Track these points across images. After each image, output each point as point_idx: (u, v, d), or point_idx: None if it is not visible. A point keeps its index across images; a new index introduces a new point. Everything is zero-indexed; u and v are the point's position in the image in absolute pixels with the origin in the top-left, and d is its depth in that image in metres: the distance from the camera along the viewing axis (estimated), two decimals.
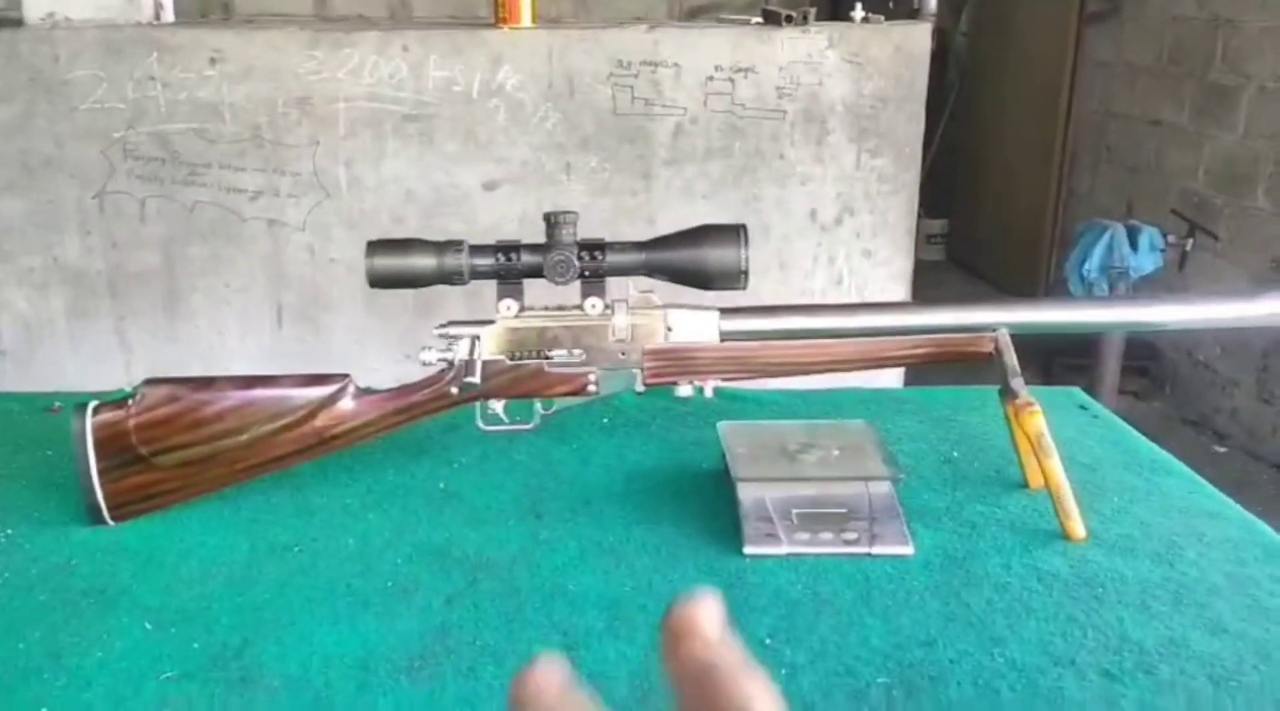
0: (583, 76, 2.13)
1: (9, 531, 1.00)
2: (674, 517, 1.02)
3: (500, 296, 0.99)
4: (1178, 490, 1.09)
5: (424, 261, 0.97)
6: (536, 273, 0.98)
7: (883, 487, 1.03)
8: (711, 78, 2.13)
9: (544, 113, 2.13)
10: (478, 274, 0.98)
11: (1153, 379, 3.76)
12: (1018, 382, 1.01)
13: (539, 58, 2.11)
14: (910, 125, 2.16)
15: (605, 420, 1.28)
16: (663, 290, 1.02)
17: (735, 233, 0.98)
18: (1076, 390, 1.41)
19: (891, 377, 1.94)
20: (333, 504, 1.05)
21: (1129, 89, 4.09)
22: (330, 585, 0.91)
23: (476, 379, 0.99)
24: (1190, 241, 3.20)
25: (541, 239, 0.98)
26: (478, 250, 0.98)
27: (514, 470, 1.13)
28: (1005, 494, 1.07)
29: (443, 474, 1.12)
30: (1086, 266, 3.25)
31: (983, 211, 5.35)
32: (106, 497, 0.99)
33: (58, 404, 1.30)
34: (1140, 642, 0.82)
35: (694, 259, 0.98)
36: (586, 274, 0.98)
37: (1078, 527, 0.98)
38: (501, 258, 0.97)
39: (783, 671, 0.78)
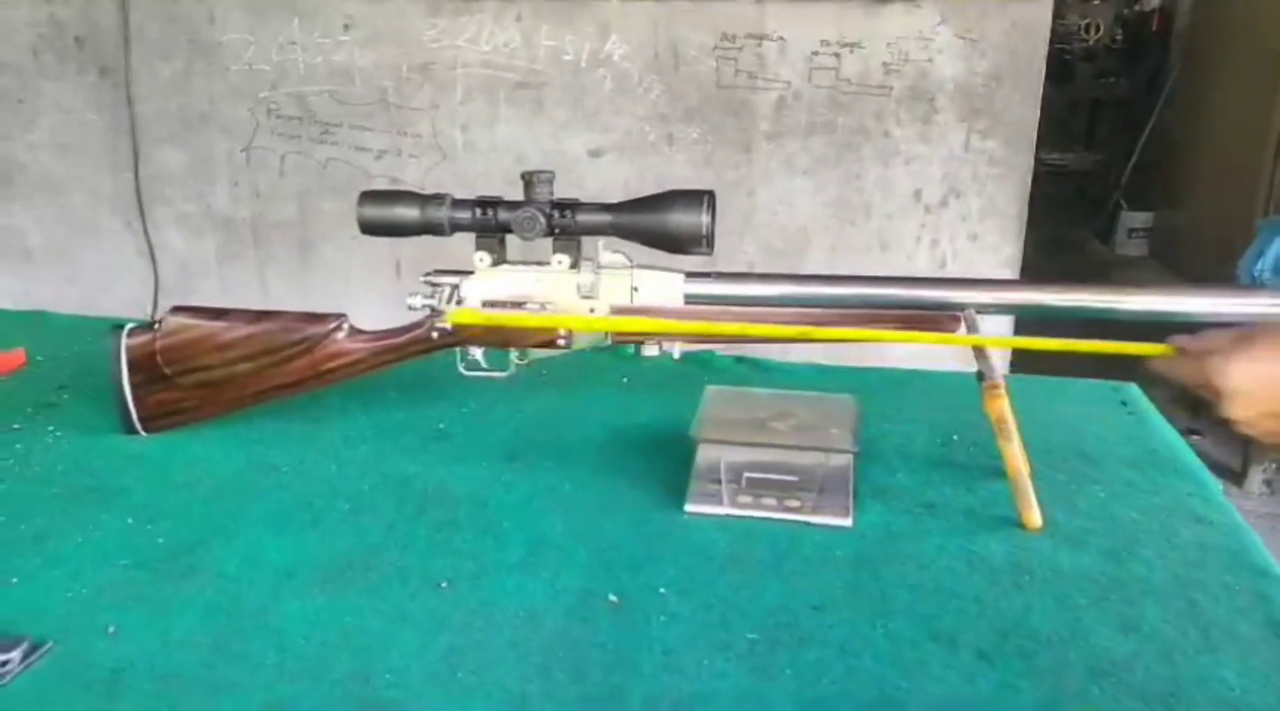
0: (688, 48, 2.15)
1: (57, 434, 1.14)
2: (635, 472, 1.05)
3: (478, 248, 1.05)
4: (1176, 491, 1.03)
5: (408, 212, 1.04)
6: (510, 228, 1.02)
7: (840, 459, 1.02)
8: (817, 52, 2.11)
9: (649, 83, 2.17)
10: (458, 226, 1.04)
11: None
12: (985, 365, 0.98)
13: (645, 29, 2.15)
14: (1025, 106, 2.06)
15: (625, 380, 1.32)
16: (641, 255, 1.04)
17: (700, 198, 0.99)
18: (1131, 386, 1.34)
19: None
20: (334, 434, 1.15)
21: None
22: (297, 503, 1.00)
23: (449, 325, 1.05)
24: None
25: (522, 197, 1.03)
26: (459, 204, 1.04)
27: (512, 417, 1.19)
28: (983, 480, 1.04)
29: (447, 416, 1.19)
30: (1259, 265, 3.00)
31: (1190, 204, 4.98)
32: (138, 410, 1.11)
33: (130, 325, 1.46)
34: (1036, 630, 0.79)
35: (659, 222, 1.00)
36: (556, 231, 1.02)
37: (1034, 516, 0.95)
38: (479, 212, 1.03)
39: (662, 618, 0.81)
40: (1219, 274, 4.30)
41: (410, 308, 1.08)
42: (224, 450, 1.10)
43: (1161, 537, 0.94)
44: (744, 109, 2.16)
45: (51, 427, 1.15)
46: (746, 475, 1.01)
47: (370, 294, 2.38)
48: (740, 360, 1.41)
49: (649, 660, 0.76)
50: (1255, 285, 3.06)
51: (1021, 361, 1.34)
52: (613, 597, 0.84)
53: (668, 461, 1.07)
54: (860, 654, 0.76)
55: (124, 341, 1.11)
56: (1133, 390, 1.33)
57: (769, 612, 0.82)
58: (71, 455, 1.09)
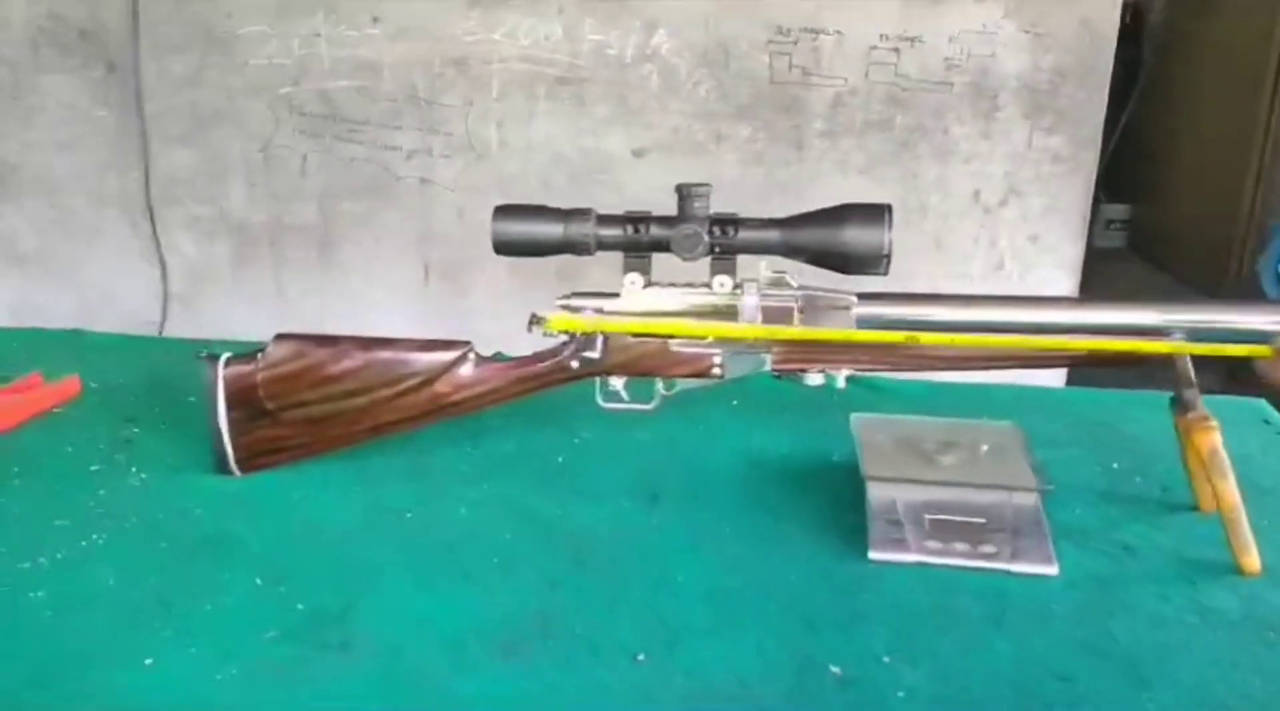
0: (739, 43, 2.06)
1: (143, 476, 1.02)
2: (796, 511, 0.97)
3: (626, 269, 0.95)
4: None
5: (550, 229, 0.94)
6: (665, 246, 0.93)
7: (1028, 499, 0.95)
8: (875, 47, 2.03)
9: (697, 79, 2.08)
10: (604, 245, 0.94)
11: None
12: (1191, 394, 0.91)
13: (695, 23, 2.05)
14: (1091, 103, 2.00)
15: (735, 402, 1.23)
16: (797, 272, 0.96)
17: (880, 213, 0.91)
18: (1262, 402, 1.27)
19: (1050, 375, 1.82)
20: (449, 469, 1.04)
21: None
22: (436, 553, 0.90)
23: (597, 354, 0.95)
24: None
25: (673, 211, 0.94)
26: (605, 220, 0.94)
27: (634, 448, 1.09)
28: (1169, 515, 0.97)
29: (562, 447, 1.09)
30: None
31: (1170, 198, 4.98)
32: (235, 448, 1.00)
33: (205, 352, 1.34)
34: None
35: (833, 239, 0.91)
36: (717, 250, 0.93)
37: (1252, 560, 0.87)
38: (629, 229, 0.93)
39: (900, 694, 0.72)
40: (1208, 270, 4.32)
41: (545, 334, 0.98)
42: (334, 492, 0.99)
43: None
44: (797, 106, 2.08)
45: (134, 468, 1.03)
46: (928, 517, 0.93)
47: (395, 297, 2.26)
48: (850, 379, 1.33)
49: None
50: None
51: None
52: (835, 669, 0.75)
53: (824, 497, 0.99)
54: None
55: (221, 372, 1.00)
56: (1264, 406, 1.27)
57: (1015, 686, 0.73)
58: (166, 500, 0.98)
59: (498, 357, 1.01)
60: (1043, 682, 0.73)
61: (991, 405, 1.16)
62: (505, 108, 2.13)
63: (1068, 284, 2.11)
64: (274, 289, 2.27)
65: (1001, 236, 2.09)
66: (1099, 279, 3.00)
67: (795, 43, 2.03)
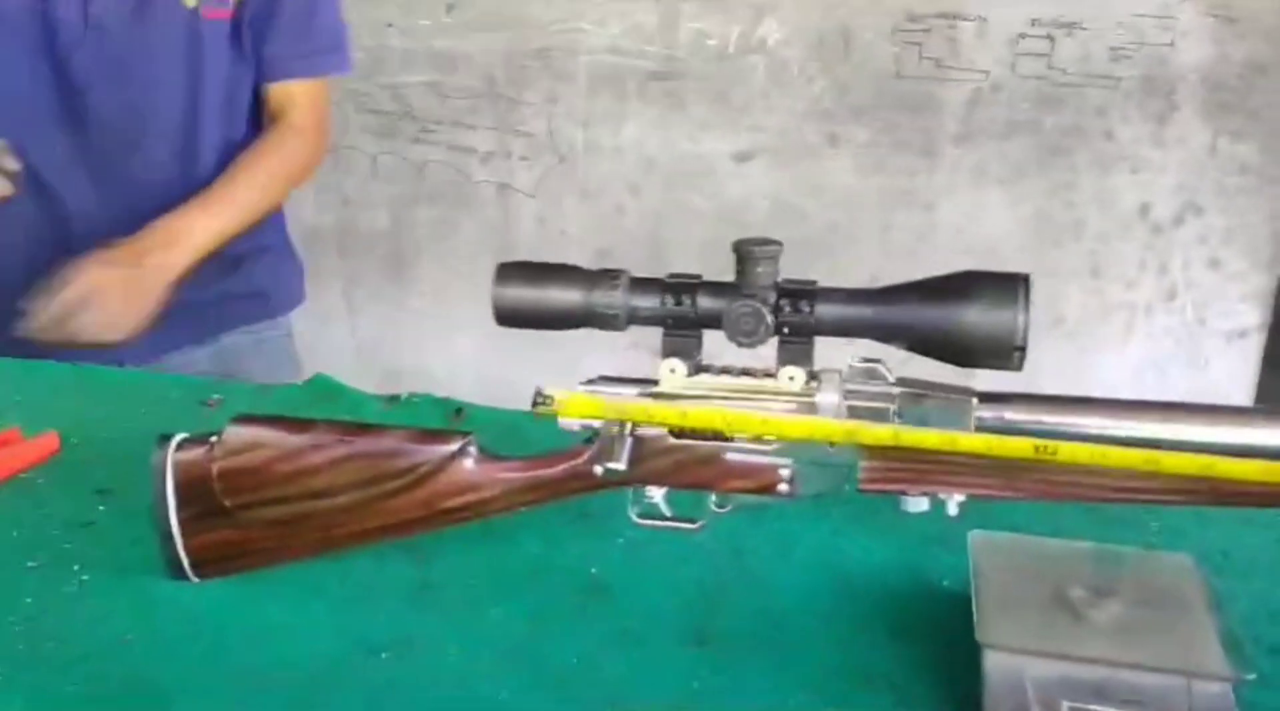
0: (862, 31, 1.79)
1: (84, 577, 0.85)
2: (893, 668, 0.73)
3: (666, 352, 0.72)
4: None
5: (566, 296, 0.72)
6: (717, 323, 0.70)
7: (1213, 690, 0.68)
8: (1024, 34, 1.72)
9: (811, 73, 1.81)
10: (638, 318, 0.72)
11: None
12: None
13: (810, 8, 1.79)
14: None
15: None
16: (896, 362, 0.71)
17: (1014, 286, 0.65)
18: None
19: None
20: (448, 585, 0.84)
21: None
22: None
23: (623, 464, 0.73)
24: None
25: (732, 275, 0.70)
26: (641, 285, 0.71)
27: (684, 563, 0.86)
28: None
29: (594, 557, 0.87)
30: None
31: None
32: (188, 551, 0.82)
33: (216, 396, 1.18)
34: None
35: (951, 320, 0.66)
36: (786, 331, 0.69)
37: None
38: (670, 300, 0.70)
39: None
40: None
41: (564, 429, 0.75)
42: (302, 619, 0.80)
43: None
44: (927, 105, 1.79)
45: (77, 567, 0.86)
46: (1068, 705, 0.67)
47: (475, 317, 2.08)
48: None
49: None
50: None
51: None
52: None
53: (929, 646, 0.76)
54: None
55: (170, 458, 0.81)
56: None
57: None
58: (99, 618, 0.80)
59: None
60: None
61: (1156, 519, 0.89)
62: (592, 106, 1.92)
63: (1256, 319, 1.76)
64: (344, 305, 2.12)
65: (1174, 260, 1.77)
66: None
67: (928, 30, 1.74)
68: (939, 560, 0.85)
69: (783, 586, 0.84)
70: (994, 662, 0.70)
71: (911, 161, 1.81)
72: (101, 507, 0.95)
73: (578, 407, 0.73)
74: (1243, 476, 0.66)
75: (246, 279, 1.50)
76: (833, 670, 0.74)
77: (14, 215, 1.27)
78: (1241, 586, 0.82)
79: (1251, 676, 0.67)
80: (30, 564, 0.87)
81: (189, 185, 1.37)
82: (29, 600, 0.82)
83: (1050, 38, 1.71)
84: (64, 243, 1.30)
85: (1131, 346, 1.83)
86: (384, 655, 0.76)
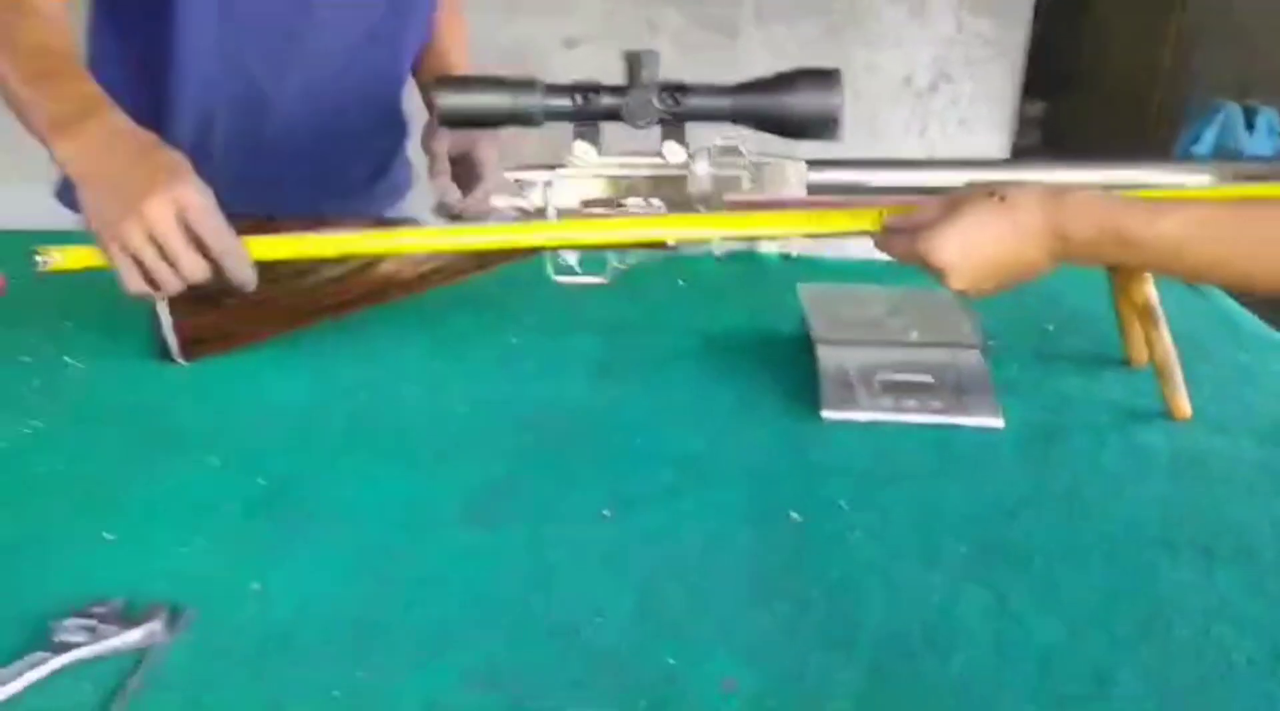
0: None
1: (80, 365, 1.00)
2: (749, 379, 0.99)
3: (578, 138, 0.94)
4: None
5: (497, 99, 0.92)
6: (614, 115, 0.92)
7: (971, 356, 0.98)
8: None
9: None
10: (552, 114, 0.93)
11: None
12: None
13: None
14: None
15: (681, 282, 1.23)
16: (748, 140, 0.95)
17: (830, 77, 0.91)
18: None
19: None
20: (398, 351, 1.04)
21: None
22: (391, 430, 0.89)
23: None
24: None
25: (621, 80, 0.92)
26: (554, 89, 0.92)
27: (584, 327, 1.09)
28: (1103, 369, 1.01)
29: (510, 327, 1.09)
30: (1197, 148, 3.06)
31: (1086, 94, 5.06)
32: (178, 334, 0.98)
33: None
34: (1242, 523, 0.77)
35: (784, 104, 0.91)
36: (667, 117, 0.92)
37: (1184, 404, 0.92)
38: (578, 98, 0.92)
39: (856, 534, 0.75)
40: None
41: (494, 209, 0.96)
42: (283, 375, 0.98)
43: None
44: None
45: (69, 358, 1.00)
46: (879, 378, 0.95)
47: None
48: (786, 258, 1.34)
49: (872, 583, 0.70)
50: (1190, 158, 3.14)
51: None
52: (794, 515, 0.77)
53: (774, 365, 1.01)
54: (1087, 562, 0.72)
55: None
56: None
57: (966, 523, 0.76)
58: (108, 388, 0.96)
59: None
60: (990, 519, 0.77)
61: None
62: None
63: None
64: None
65: (933, 122, 2.11)
66: None
67: None
68: (778, 318, 1.10)
69: (662, 341, 1.07)
70: (825, 353, 0.97)
71: (720, 41, 2.07)
72: (69, 324, 1.08)
73: (78, 259, 0.89)
74: None
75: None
76: (704, 380, 0.99)
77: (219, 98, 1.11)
78: (992, 317, 1.12)
79: (993, 343, 0.98)
80: (24, 359, 1.00)
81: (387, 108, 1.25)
82: (36, 381, 0.96)
83: None
84: (258, 134, 1.15)
85: None
86: (359, 394, 0.95)
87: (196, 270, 0.86)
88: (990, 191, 0.77)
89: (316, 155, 1.18)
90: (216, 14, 1.07)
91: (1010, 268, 0.77)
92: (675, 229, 0.93)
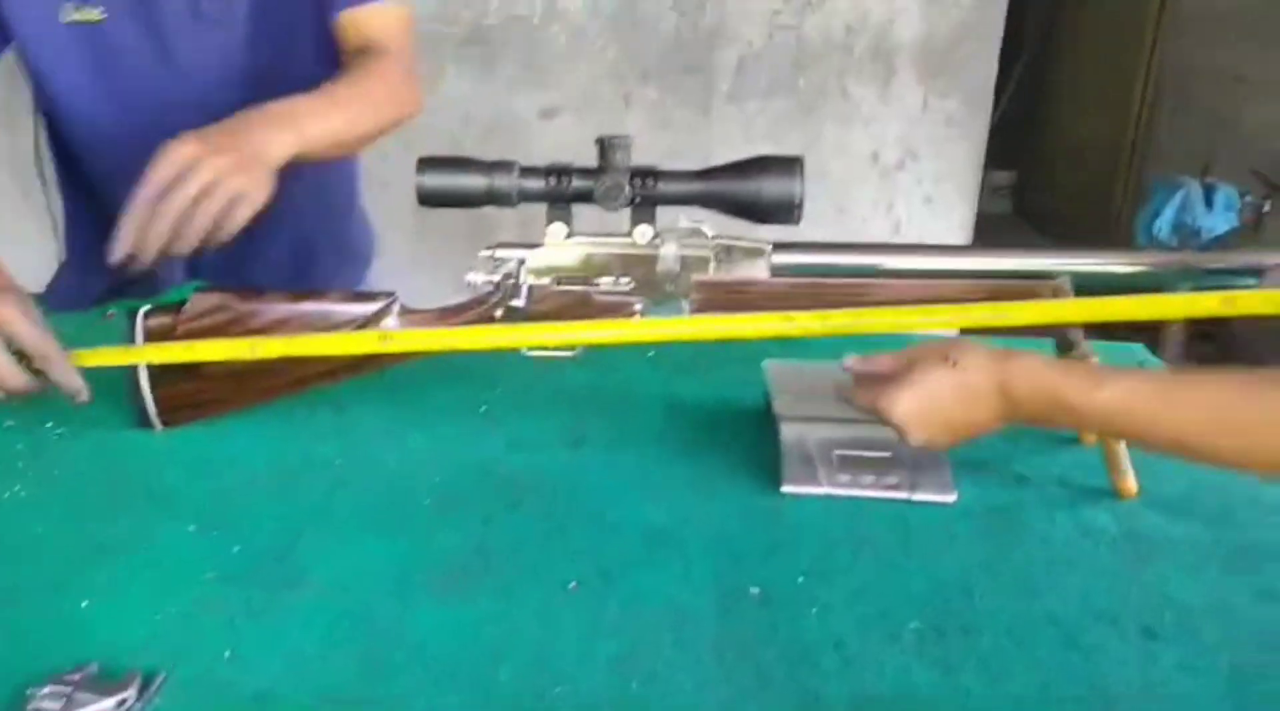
0: (645, 4, 2.08)
1: (59, 430, 1.01)
2: (713, 453, 1.02)
3: (550, 220, 0.98)
4: None
5: (474, 181, 0.96)
6: (587, 197, 0.96)
7: None
8: (778, 10, 2.07)
9: (605, 41, 2.10)
10: (527, 196, 0.97)
11: (1219, 344, 3.65)
12: (1075, 332, 0.98)
13: None
14: (984, 65, 2.09)
15: (650, 354, 1.27)
16: (715, 223, 1.00)
17: (792, 165, 0.95)
18: (1138, 346, 1.36)
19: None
20: (373, 421, 1.06)
21: (1215, 42, 3.92)
22: (370, 498, 0.92)
23: (522, 302, 0.98)
24: (1268, 203, 3.09)
25: (594, 163, 0.97)
26: (529, 172, 0.97)
27: (556, 398, 1.12)
28: (1057, 448, 1.05)
29: (484, 397, 1.12)
30: (1157, 224, 3.16)
31: (1054, 164, 5.19)
32: (156, 402, 1.00)
33: (111, 311, 1.32)
34: (1185, 603, 0.80)
35: (748, 190, 0.95)
36: (638, 200, 0.96)
37: (1129, 484, 0.95)
38: (552, 180, 0.96)
39: (814, 610, 0.78)
40: (1090, 233, 4.52)
41: (469, 285, 1.00)
42: (261, 444, 1.00)
43: (1247, 500, 0.94)
44: (703, 68, 2.11)
45: (50, 423, 1.02)
46: (837, 453, 0.98)
47: None
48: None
49: (826, 656, 0.72)
50: (1148, 245, 3.23)
51: None
52: (754, 590, 0.80)
53: (738, 439, 1.04)
54: (1035, 641, 0.75)
55: (140, 325, 0.99)
56: (1138, 349, 1.36)
57: (923, 600, 0.79)
58: (88, 454, 0.98)
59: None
60: (943, 594, 0.80)
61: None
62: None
63: (962, 243, 2.20)
64: None
65: (899, 199, 2.18)
66: (990, 243, 3.12)
67: (701, 5, 2.06)
68: (742, 393, 1.12)
69: (632, 413, 1.10)
70: (787, 429, 1.00)
71: (692, 118, 2.13)
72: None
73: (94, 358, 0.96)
74: (933, 295, 0.99)
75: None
76: (670, 453, 1.01)
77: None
78: None
79: None
80: (8, 423, 1.02)
81: None
82: (20, 446, 0.98)
83: (799, 14, 2.06)
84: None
85: None
86: (336, 463, 0.98)
87: (15, 379, 0.90)
88: (944, 354, 0.83)
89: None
90: (89, 96, 1.23)
91: (961, 426, 0.83)
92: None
